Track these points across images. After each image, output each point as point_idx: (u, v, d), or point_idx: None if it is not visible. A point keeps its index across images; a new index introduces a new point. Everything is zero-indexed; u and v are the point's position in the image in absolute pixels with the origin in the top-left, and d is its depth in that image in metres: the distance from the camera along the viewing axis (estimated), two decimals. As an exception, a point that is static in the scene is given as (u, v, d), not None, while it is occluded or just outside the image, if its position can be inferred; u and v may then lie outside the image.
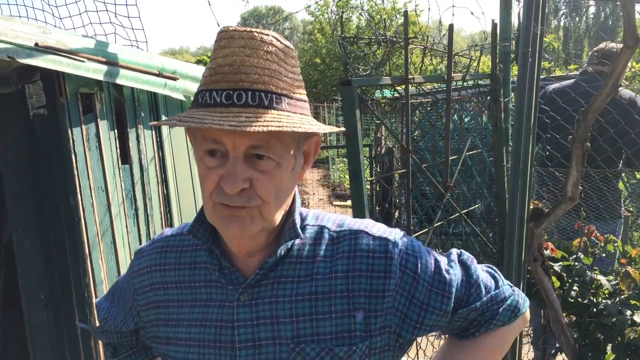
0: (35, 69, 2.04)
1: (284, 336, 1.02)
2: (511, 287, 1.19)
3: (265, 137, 0.93)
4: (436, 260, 1.10)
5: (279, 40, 0.96)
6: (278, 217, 1.02)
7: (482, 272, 1.16)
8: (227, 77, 0.93)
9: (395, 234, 1.09)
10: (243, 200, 0.95)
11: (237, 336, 1.03)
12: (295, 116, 0.96)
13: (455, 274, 1.10)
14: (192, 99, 2.90)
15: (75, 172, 2.21)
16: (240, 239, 1.02)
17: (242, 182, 0.93)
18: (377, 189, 5.76)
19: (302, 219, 1.10)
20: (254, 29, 0.95)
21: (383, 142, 6.47)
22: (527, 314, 1.21)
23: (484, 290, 1.12)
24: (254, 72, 0.93)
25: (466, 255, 1.17)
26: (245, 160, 0.94)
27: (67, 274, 2.30)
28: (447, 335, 1.23)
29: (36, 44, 1.97)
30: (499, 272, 1.20)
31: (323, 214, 1.14)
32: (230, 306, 1.04)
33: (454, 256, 1.15)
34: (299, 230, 1.05)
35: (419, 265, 1.07)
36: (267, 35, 0.95)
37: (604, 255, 2.61)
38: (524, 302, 1.19)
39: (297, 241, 1.07)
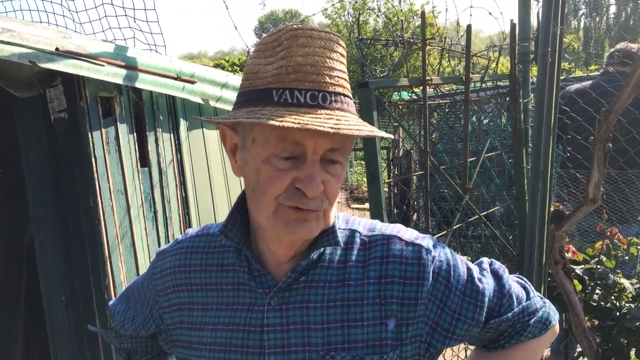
0: (56, 73, 2.07)
1: (314, 343, 0.99)
2: (542, 298, 1.16)
3: (342, 140, 0.92)
4: (468, 269, 1.07)
5: (344, 44, 0.96)
6: (333, 218, 1.01)
7: (513, 282, 1.13)
8: (310, 77, 0.90)
9: (427, 241, 1.07)
10: (317, 203, 0.93)
11: (266, 341, 1.00)
12: (360, 120, 0.95)
13: (487, 283, 1.07)
14: (208, 99, 2.87)
15: (95, 174, 2.23)
16: (297, 242, 1.00)
17: (321, 184, 0.91)
18: (395, 191, 5.72)
19: None
20: (327, 30, 0.94)
21: (401, 144, 6.43)
22: (557, 327, 1.18)
23: (515, 301, 1.09)
24: (334, 74, 0.92)
25: (497, 264, 1.14)
26: (319, 164, 0.92)
27: (87, 275, 2.32)
28: (473, 347, 1.19)
29: (57, 49, 1.99)
30: (529, 283, 1.17)
31: (352, 217, 1.12)
32: (260, 310, 1.01)
33: (486, 265, 1.12)
34: (339, 238, 1.02)
35: (452, 274, 1.04)
36: (339, 38, 0.95)
37: (626, 258, 2.56)
38: (555, 315, 1.16)
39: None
